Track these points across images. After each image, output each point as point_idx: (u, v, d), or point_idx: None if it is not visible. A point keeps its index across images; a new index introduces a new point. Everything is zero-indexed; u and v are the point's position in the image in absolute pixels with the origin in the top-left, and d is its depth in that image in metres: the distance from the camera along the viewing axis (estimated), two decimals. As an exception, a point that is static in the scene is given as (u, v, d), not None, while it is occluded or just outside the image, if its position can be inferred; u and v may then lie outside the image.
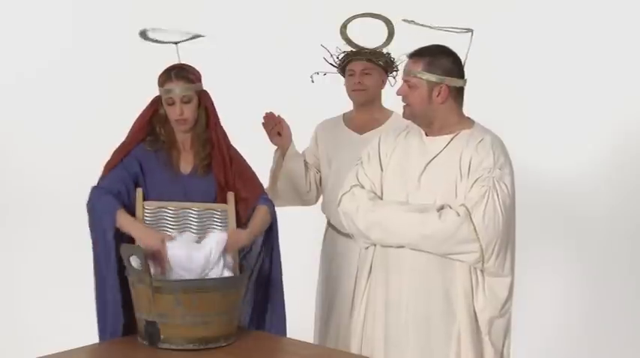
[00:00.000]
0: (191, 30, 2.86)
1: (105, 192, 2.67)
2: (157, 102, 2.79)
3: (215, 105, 2.84)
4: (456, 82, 2.63)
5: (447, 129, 2.67)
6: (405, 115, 2.70)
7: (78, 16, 5.15)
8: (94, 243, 2.69)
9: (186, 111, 2.74)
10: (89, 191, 2.71)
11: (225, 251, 2.60)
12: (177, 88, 2.72)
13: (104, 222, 2.63)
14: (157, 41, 2.83)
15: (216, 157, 2.81)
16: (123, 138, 2.82)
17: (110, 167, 2.76)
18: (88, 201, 2.70)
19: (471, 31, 2.69)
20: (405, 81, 2.66)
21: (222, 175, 2.81)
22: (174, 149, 2.79)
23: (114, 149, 2.80)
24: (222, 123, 2.86)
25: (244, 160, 2.91)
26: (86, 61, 5.05)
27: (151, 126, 2.80)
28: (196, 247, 2.59)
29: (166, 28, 2.82)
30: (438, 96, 2.62)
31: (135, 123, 2.81)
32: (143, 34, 2.83)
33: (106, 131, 3.10)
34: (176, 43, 2.83)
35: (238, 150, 2.93)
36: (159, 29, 2.82)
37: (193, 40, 2.92)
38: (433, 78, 2.60)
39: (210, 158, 2.81)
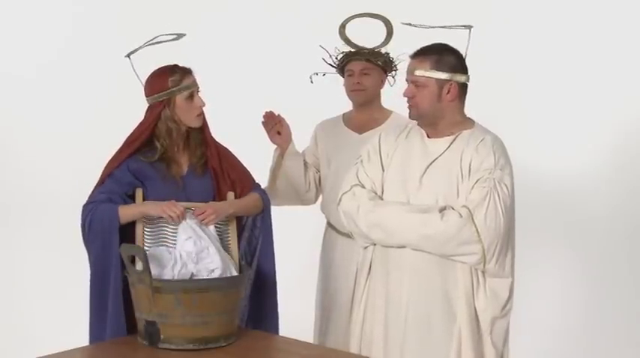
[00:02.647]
0: (189, 30, 2.86)
1: (98, 204, 2.65)
2: (158, 111, 2.72)
3: None
4: (461, 79, 2.63)
5: (448, 130, 2.67)
6: (412, 116, 2.69)
7: (78, 16, 5.16)
8: (96, 254, 2.64)
9: (202, 102, 2.75)
10: (81, 210, 2.67)
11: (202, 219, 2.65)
12: (194, 80, 2.73)
13: (110, 225, 2.60)
14: (137, 50, 2.80)
15: (211, 153, 2.80)
16: (122, 138, 2.78)
17: (102, 180, 2.72)
18: (84, 219, 2.64)
19: (470, 27, 2.69)
20: (412, 81, 2.65)
21: (217, 165, 2.80)
22: (172, 160, 2.76)
23: (111, 153, 2.77)
24: (223, 126, 2.86)
25: (235, 157, 2.91)
26: (86, 60, 5.05)
27: (150, 136, 2.74)
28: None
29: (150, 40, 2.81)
30: (447, 93, 2.62)
31: (134, 131, 2.76)
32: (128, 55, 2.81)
33: (106, 130, 3.11)
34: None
35: (238, 149, 2.93)
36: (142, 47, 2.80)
37: (193, 40, 2.91)
38: (442, 75, 2.60)
39: (205, 156, 2.80)
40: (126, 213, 2.62)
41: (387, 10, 3.38)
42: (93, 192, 2.71)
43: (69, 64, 5.06)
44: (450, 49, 2.65)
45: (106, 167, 2.74)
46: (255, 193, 2.86)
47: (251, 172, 2.93)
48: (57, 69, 5.05)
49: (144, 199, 2.70)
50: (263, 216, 2.87)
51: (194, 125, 2.75)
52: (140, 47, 2.78)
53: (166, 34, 2.82)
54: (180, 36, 2.85)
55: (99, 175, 2.76)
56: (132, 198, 2.70)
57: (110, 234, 2.60)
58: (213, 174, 2.81)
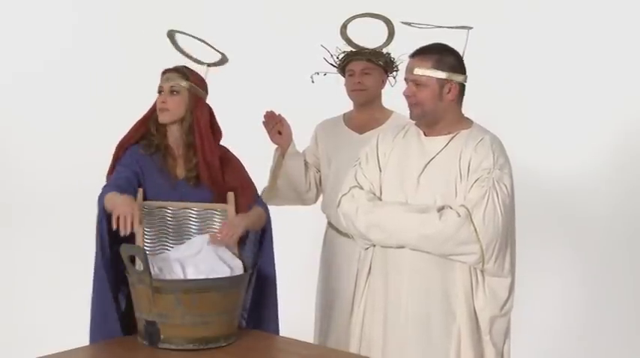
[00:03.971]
0: (193, 31, 2.87)
1: (110, 188, 2.64)
2: (155, 104, 2.81)
3: (215, 117, 2.84)
4: (460, 79, 2.64)
5: (446, 129, 2.67)
6: (414, 116, 2.69)
7: (78, 16, 5.16)
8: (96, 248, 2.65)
9: (169, 101, 2.73)
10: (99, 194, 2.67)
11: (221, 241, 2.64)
12: (168, 78, 2.75)
13: (99, 210, 2.60)
14: (187, 55, 2.84)
15: (203, 171, 2.77)
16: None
17: (114, 163, 2.76)
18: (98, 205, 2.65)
19: (469, 28, 2.70)
20: (412, 80, 2.65)
21: (207, 178, 2.78)
22: (169, 154, 2.77)
23: (111, 153, 2.79)
24: (223, 126, 2.85)
25: (241, 166, 2.90)
26: (86, 60, 5.05)
27: (146, 127, 2.79)
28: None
29: (190, 34, 2.84)
30: (448, 93, 2.62)
31: (134, 124, 2.82)
32: (172, 37, 2.83)
33: (106, 130, 3.10)
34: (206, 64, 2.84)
35: (238, 149, 2.93)
36: (184, 34, 2.83)
37: (193, 40, 2.91)
38: (443, 75, 2.60)
39: (197, 170, 2.77)
40: (106, 201, 2.58)
41: (388, 11, 3.37)
42: (110, 167, 2.77)
43: (69, 64, 5.06)
44: (449, 50, 2.66)
45: (115, 151, 2.78)
46: (260, 208, 2.84)
47: (253, 175, 2.92)
48: (57, 69, 5.06)
49: (144, 199, 2.70)
50: (265, 229, 2.85)
51: (159, 119, 2.76)
52: (185, 52, 2.82)
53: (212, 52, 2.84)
54: (224, 59, 2.87)
55: (99, 173, 2.77)
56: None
57: (100, 223, 2.59)
58: (208, 186, 2.80)
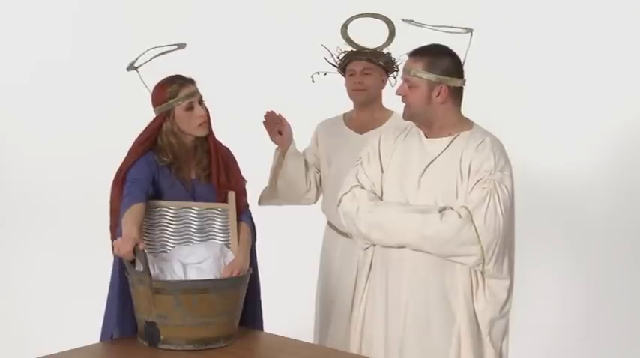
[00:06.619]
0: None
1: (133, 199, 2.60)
2: (159, 122, 2.72)
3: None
4: (455, 82, 2.63)
5: (446, 131, 2.67)
6: (405, 116, 2.70)
7: (77, 20, 5.16)
8: None
9: (205, 111, 2.72)
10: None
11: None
12: (195, 91, 2.71)
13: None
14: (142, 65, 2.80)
15: (214, 170, 2.78)
16: (121, 141, 2.77)
17: (123, 177, 2.69)
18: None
19: (471, 31, 2.69)
20: (405, 80, 2.65)
21: (216, 179, 2.79)
22: (184, 164, 2.75)
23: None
24: (223, 125, 2.85)
25: (239, 171, 2.90)
26: (85, 63, 5.06)
27: (154, 142, 2.74)
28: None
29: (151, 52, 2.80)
30: (437, 96, 2.61)
31: (141, 137, 2.74)
32: (131, 67, 2.81)
33: (105, 135, 3.10)
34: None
35: (238, 149, 2.93)
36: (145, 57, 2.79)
37: (194, 40, 2.91)
38: (433, 78, 2.60)
39: (209, 168, 2.79)
40: (123, 219, 2.56)
41: (389, 11, 3.37)
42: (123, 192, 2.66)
43: (68, 68, 5.07)
44: (446, 52, 2.64)
45: (121, 167, 2.71)
46: (246, 225, 2.81)
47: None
48: (56, 72, 5.06)
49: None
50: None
51: (198, 134, 2.74)
52: (142, 62, 2.78)
53: (167, 45, 2.81)
54: (180, 46, 2.84)
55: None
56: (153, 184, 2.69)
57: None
58: (213, 181, 2.80)
